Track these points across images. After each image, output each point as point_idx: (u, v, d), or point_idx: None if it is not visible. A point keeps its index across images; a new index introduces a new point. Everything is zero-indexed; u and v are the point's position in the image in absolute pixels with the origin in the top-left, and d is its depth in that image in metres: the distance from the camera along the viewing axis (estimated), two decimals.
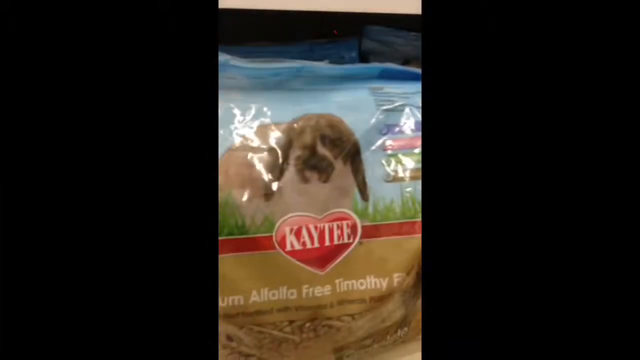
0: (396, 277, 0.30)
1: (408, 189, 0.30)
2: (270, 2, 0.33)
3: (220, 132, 0.29)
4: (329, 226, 0.29)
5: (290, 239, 0.28)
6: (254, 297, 0.27)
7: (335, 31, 0.54)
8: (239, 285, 0.27)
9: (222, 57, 0.30)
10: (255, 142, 0.29)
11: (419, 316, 0.35)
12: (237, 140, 0.29)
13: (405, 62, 0.49)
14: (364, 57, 0.50)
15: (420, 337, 0.37)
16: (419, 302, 0.34)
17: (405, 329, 0.33)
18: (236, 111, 0.30)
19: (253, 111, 0.30)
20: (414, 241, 0.30)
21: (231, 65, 0.30)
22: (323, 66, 0.32)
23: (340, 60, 0.46)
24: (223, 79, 0.30)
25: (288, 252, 0.28)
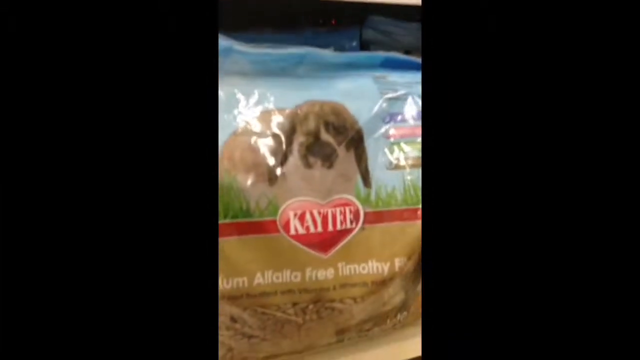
0: (397, 262, 0.30)
1: (410, 177, 0.31)
2: None
3: (224, 116, 0.29)
4: (332, 212, 0.29)
5: (294, 223, 0.28)
6: (258, 279, 0.28)
7: (334, 21, 0.54)
8: (244, 267, 0.28)
9: (226, 42, 0.30)
10: (259, 127, 0.29)
11: (418, 301, 0.35)
12: (241, 125, 0.29)
13: (406, 52, 0.49)
14: (364, 47, 0.50)
15: (419, 322, 0.38)
16: (419, 287, 0.35)
17: (405, 313, 0.34)
18: (240, 96, 0.30)
19: (256, 96, 0.30)
20: (415, 227, 0.31)
21: (235, 50, 0.30)
22: (327, 53, 0.32)
23: (341, 49, 0.46)
24: (227, 63, 0.31)
25: (292, 236, 0.28)
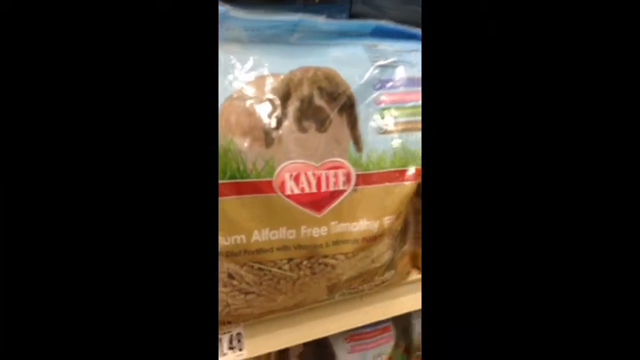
0: (386, 220, 0.32)
1: (398, 141, 0.33)
2: None
3: (221, 81, 0.30)
4: (326, 174, 0.31)
5: (290, 184, 0.29)
6: (256, 237, 0.29)
7: None
8: (241, 225, 0.29)
9: (222, 8, 0.30)
10: (255, 92, 0.30)
11: (404, 261, 0.38)
12: (237, 90, 0.30)
13: None
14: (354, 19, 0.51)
15: (404, 282, 0.40)
16: (405, 248, 0.37)
17: (392, 271, 0.36)
18: (235, 62, 0.31)
19: (251, 63, 0.31)
20: (403, 188, 0.32)
21: (230, 16, 0.31)
22: (320, 21, 0.33)
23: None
24: (222, 30, 0.31)
25: (288, 196, 0.29)
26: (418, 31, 0.36)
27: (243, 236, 0.29)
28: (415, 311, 0.56)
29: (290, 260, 0.30)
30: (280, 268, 0.30)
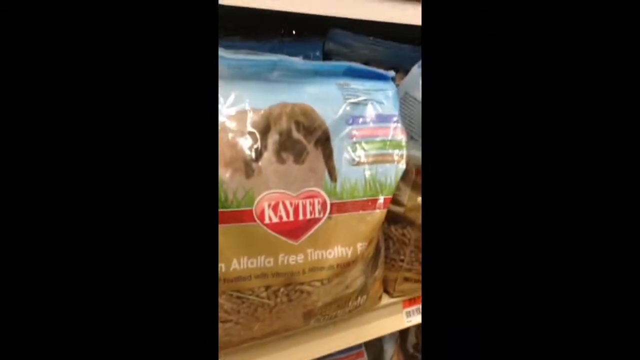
0: (359, 246, 0.34)
1: (369, 172, 0.35)
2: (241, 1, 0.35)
3: None
4: (303, 203, 0.32)
5: (269, 213, 0.31)
6: (235, 265, 0.30)
7: (294, 31, 0.58)
8: (221, 254, 0.30)
9: None
10: (236, 126, 0.32)
11: (376, 287, 0.39)
12: (219, 123, 0.32)
13: (365, 63, 0.54)
14: (327, 57, 0.54)
15: (375, 307, 0.42)
16: (376, 273, 0.39)
17: (365, 296, 0.38)
18: (218, 97, 0.32)
19: (233, 98, 0.33)
20: (374, 215, 0.35)
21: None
22: (297, 61, 0.35)
23: (306, 59, 0.50)
24: None
25: (266, 225, 0.31)
26: (385, 72, 0.39)
27: (222, 265, 0.30)
28: (387, 336, 0.57)
29: (267, 287, 0.31)
30: (258, 296, 0.31)
